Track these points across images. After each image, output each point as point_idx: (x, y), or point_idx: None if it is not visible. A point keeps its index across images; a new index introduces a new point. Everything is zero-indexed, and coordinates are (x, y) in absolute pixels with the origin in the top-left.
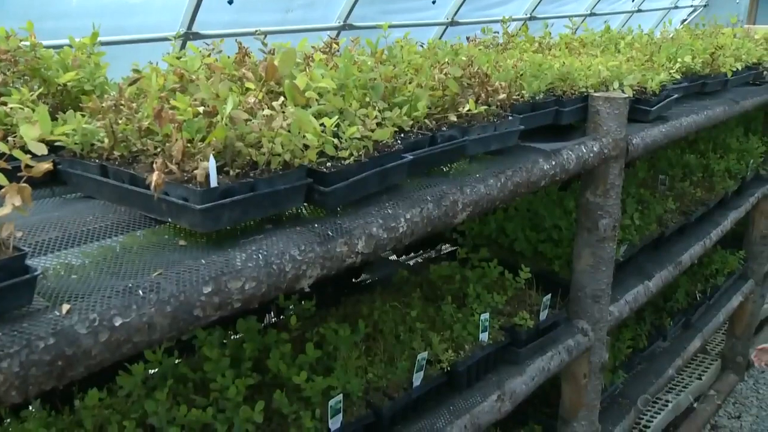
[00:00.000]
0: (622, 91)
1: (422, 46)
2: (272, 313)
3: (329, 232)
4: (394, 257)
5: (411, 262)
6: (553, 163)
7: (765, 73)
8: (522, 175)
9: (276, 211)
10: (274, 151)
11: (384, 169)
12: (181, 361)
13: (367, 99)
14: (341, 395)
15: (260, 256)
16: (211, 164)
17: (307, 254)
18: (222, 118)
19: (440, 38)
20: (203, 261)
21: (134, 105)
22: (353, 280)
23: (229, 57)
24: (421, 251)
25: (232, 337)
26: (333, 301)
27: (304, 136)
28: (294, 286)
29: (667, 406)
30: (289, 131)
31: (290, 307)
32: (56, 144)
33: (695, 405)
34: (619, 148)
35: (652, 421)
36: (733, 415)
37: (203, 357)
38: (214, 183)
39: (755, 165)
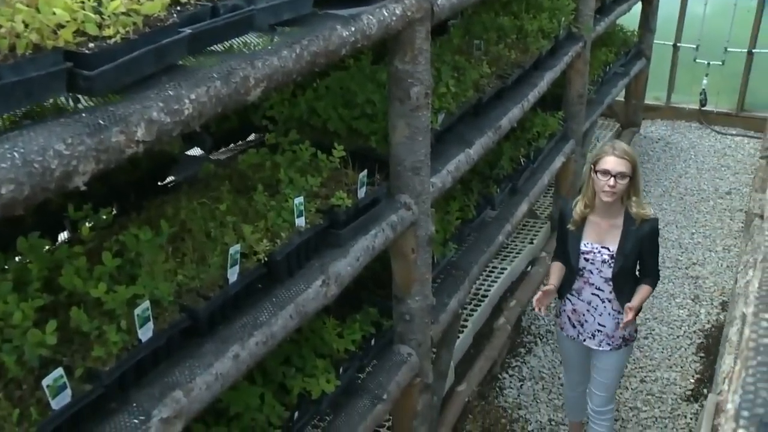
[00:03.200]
0: None
1: None
2: (67, 230)
3: (100, 121)
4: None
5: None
6: (353, 29)
7: None
8: (319, 44)
9: (33, 103)
10: (16, 32)
11: (159, 46)
12: None
13: None
14: (148, 302)
15: (16, 154)
16: None
17: (75, 147)
18: None
19: None
20: None
21: None
22: (158, 183)
23: None
24: (233, 144)
25: (15, 261)
26: (136, 209)
27: (54, 13)
28: (66, 185)
29: (503, 273)
30: (34, 8)
31: (85, 218)
32: None
33: (529, 269)
34: (424, 9)
35: (489, 290)
36: None
37: None
38: None
39: (567, 23)
